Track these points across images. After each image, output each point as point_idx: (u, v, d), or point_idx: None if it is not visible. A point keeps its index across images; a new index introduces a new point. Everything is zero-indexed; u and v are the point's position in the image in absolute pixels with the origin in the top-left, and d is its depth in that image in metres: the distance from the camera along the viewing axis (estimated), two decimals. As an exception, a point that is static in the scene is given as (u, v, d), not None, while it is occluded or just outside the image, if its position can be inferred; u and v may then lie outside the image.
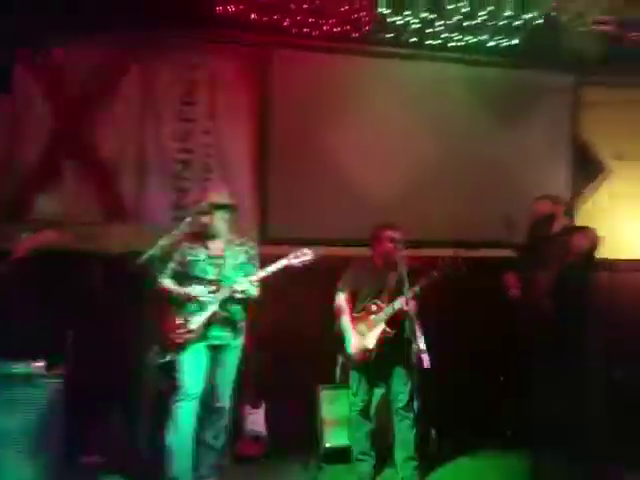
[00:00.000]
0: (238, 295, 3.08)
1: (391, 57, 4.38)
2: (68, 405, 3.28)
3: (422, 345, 2.97)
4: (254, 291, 3.15)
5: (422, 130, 4.38)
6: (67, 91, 3.98)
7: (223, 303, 3.09)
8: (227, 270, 3.15)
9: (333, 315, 3.47)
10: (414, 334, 3.05)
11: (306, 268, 3.20)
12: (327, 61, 4.31)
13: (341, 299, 3.49)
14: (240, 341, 3.22)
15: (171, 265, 3.15)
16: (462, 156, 4.40)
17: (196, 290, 3.07)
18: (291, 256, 3.14)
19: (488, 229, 4.24)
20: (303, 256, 3.15)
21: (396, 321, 3.30)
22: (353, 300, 3.49)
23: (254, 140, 4.23)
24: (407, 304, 3.13)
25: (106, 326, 3.56)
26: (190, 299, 3.07)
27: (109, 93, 4.02)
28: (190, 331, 3.04)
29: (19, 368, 3.21)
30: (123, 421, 3.50)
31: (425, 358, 2.92)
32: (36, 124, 3.92)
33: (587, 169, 4.67)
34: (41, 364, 3.24)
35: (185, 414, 3.01)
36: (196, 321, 3.04)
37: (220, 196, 3.18)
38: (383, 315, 3.32)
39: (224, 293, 3.06)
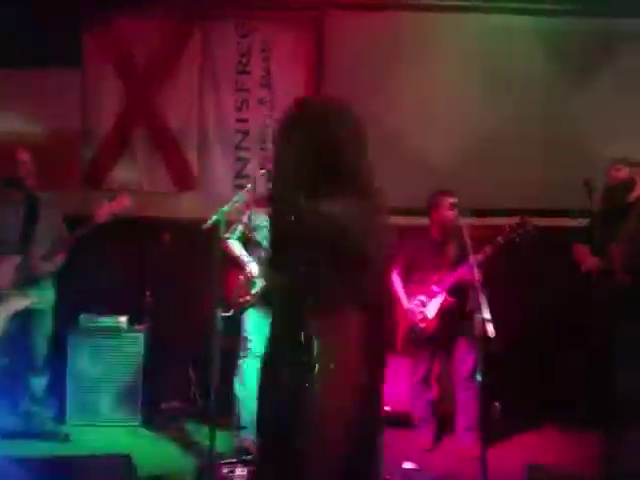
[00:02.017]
0: None
1: (450, 10, 4.11)
2: (149, 356, 3.63)
3: (487, 315, 2.89)
4: None
5: (485, 89, 4.12)
6: (133, 62, 4.21)
7: None
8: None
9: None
10: (478, 303, 2.98)
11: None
12: (382, 18, 4.15)
13: (394, 274, 3.48)
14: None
15: (239, 227, 3.30)
16: (530, 117, 4.11)
17: (254, 267, 3.20)
18: None
19: (559, 196, 3.96)
20: None
21: (458, 290, 3.25)
22: (411, 271, 3.48)
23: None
24: (470, 273, 3.06)
25: (178, 285, 3.85)
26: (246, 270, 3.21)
27: (172, 63, 4.20)
28: (250, 294, 3.19)
29: (105, 321, 3.60)
30: (198, 372, 3.80)
31: (490, 328, 2.85)
32: (107, 95, 4.20)
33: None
34: (124, 319, 3.60)
35: (250, 369, 3.19)
36: (257, 285, 3.18)
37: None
38: (444, 285, 3.27)
39: None
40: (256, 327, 3.21)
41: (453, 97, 4.14)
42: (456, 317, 3.29)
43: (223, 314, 2.91)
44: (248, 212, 3.30)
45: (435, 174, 3.92)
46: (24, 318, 3.21)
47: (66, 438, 3.34)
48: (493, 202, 3.99)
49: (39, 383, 3.34)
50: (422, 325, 3.34)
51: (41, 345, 3.31)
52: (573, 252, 3.46)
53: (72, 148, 4.18)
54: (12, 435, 3.30)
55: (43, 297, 3.27)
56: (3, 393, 3.49)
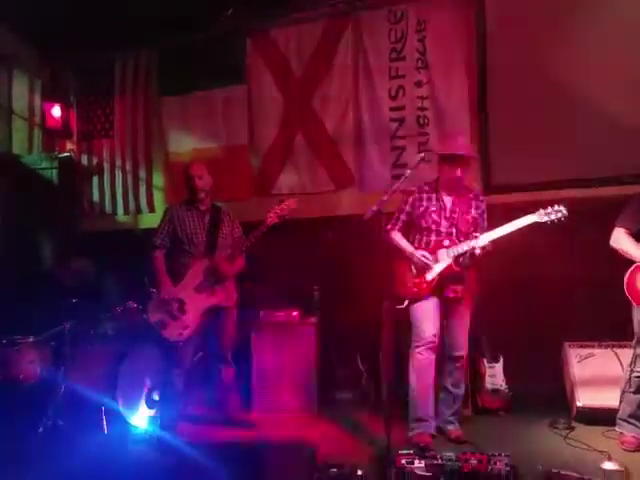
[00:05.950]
0: (470, 250, 3.07)
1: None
2: (320, 348, 3.79)
3: None
4: (487, 246, 3.07)
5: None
6: (290, 69, 4.50)
7: (457, 257, 3.11)
8: (459, 223, 3.16)
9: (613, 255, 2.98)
10: None
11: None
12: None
13: (621, 233, 2.98)
14: (470, 295, 3.20)
15: (400, 217, 3.29)
16: None
17: (419, 253, 3.16)
18: (541, 212, 2.93)
19: None
20: (555, 213, 2.89)
21: None
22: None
23: (470, 84, 4.08)
24: None
25: (345, 278, 3.98)
26: (414, 258, 3.17)
27: (326, 64, 4.40)
28: (424, 283, 3.15)
29: (281, 316, 3.86)
30: (370, 363, 3.88)
31: None
32: (268, 106, 4.56)
33: None
34: (296, 313, 3.81)
35: (424, 360, 3.17)
36: (430, 274, 3.15)
37: (459, 146, 3.17)
38: None
39: (458, 248, 3.09)
40: (426, 317, 3.17)
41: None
42: None
43: (398, 306, 2.88)
44: (409, 199, 3.27)
45: (617, 143, 3.53)
46: (213, 315, 3.56)
47: (253, 426, 3.60)
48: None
49: (229, 374, 3.67)
50: None
51: (229, 339, 3.65)
52: None
53: (243, 160, 4.64)
54: (206, 422, 3.68)
55: (228, 296, 3.60)
56: (199, 384, 3.91)
